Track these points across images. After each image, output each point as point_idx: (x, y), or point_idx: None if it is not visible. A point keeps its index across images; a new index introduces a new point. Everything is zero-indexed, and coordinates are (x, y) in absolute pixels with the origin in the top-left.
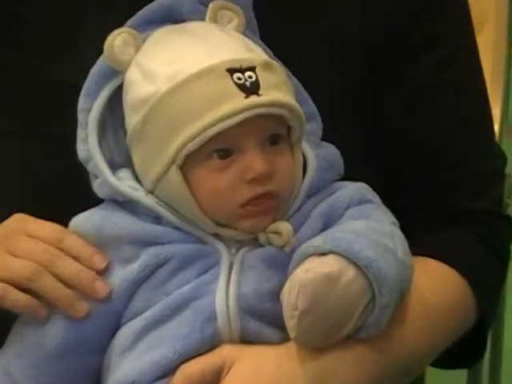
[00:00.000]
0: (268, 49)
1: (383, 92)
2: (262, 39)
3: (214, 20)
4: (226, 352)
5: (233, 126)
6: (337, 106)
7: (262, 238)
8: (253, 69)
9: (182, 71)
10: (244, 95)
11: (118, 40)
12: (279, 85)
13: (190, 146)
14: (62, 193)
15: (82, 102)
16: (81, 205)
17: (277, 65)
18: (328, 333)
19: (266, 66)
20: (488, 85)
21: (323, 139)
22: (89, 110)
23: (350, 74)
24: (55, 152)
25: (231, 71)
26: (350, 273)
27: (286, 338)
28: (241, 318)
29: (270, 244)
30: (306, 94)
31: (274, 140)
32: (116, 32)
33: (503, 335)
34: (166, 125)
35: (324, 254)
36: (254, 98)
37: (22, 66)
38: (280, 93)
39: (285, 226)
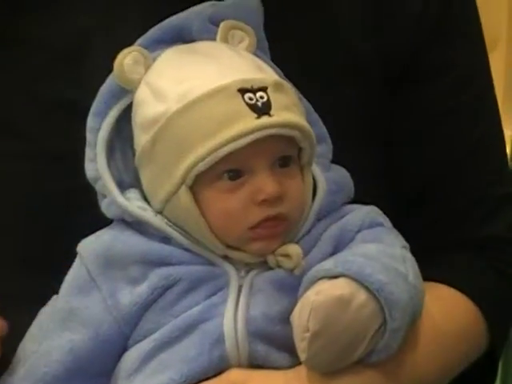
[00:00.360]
0: (279, 69)
1: (396, 115)
2: (272, 58)
3: (225, 40)
4: (233, 376)
5: (244, 147)
6: (347, 128)
7: (271, 260)
8: (264, 89)
9: (192, 91)
10: (255, 115)
11: (127, 59)
12: (290, 106)
13: (201, 166)
14: (69, 213)
15: (90, 121)
16: (88, 225)
17: (288, 85)
18: (339, 356)
19: (278, 86)
20: (500, 105)
21: (333, 161)
22: (98, 129)
23: (362, 95)
24: (62, 171)
25: (242, 91)
26: (362, 296)
27: (294, 363)
28: (249, 341)
29: (279, 267)
30: (316, 116)
31: (285, 162)
32: (126, 51)
33: None
34: (176, 144)
35: (335, 277)
36: (265, 119)
37: (26, 85)
38: (291, 114)
39: (294, 249)
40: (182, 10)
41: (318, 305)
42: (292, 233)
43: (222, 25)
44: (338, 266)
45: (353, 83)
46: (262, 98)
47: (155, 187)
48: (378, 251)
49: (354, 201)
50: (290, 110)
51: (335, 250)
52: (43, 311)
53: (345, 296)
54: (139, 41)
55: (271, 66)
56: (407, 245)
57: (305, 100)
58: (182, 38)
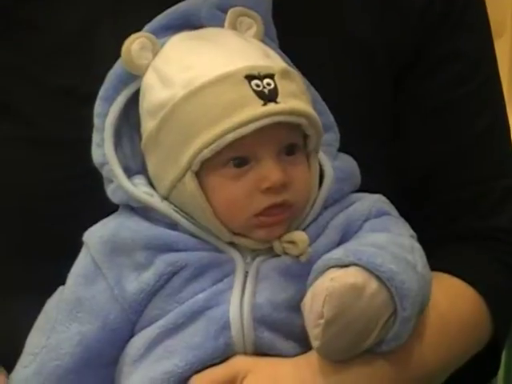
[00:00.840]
0: (286, 57)
1: (401, 106)
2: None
3: (233, 27)
4: (238, 364)
5: (249, 134)
6: (352, 118)
7: (277, 247)
8: (271, 76)
9: (199, 77)
10: (262, 102)
11: (135, 44)
12: (297, 93)
13: (206, 153)
14: (68, 200)
15: (98, 106)
16: (88, 211)
17: (295, 73)
18: (350, 344)
19: (285, 73)
20: (505, 92)
21: (340, 150)
22: (105, 115)
23: (367, 86)
24: (62, 158)
25: (249, 78)
26: (373, 285)
27: (300, 352)
28: (255, 328)
29: (285, 253)
30: (323, 104)
31: (291, 150)
32: (133, 36)
33: None
34: (182, 130)
35: (345, 266)
36: (272, 106)
37: (31, 70)
38: (298, 101)
39: (300, 236)
40: None
41: (332, 291)
42: (298, 220)
43: (230, 11)
44: (349, 255)
45: (358, 74)
46: (268, 84)
47: (161, 173)
48: (388, 241)
49: (360, 190)
50: (296, 97)
51: (342, 239)
52: (49, 302)
53: (358, 284)
54: (147, 27)
55: (279, 54)
56: (414, 234)
57: (313, 88)
58: (190, 24)
